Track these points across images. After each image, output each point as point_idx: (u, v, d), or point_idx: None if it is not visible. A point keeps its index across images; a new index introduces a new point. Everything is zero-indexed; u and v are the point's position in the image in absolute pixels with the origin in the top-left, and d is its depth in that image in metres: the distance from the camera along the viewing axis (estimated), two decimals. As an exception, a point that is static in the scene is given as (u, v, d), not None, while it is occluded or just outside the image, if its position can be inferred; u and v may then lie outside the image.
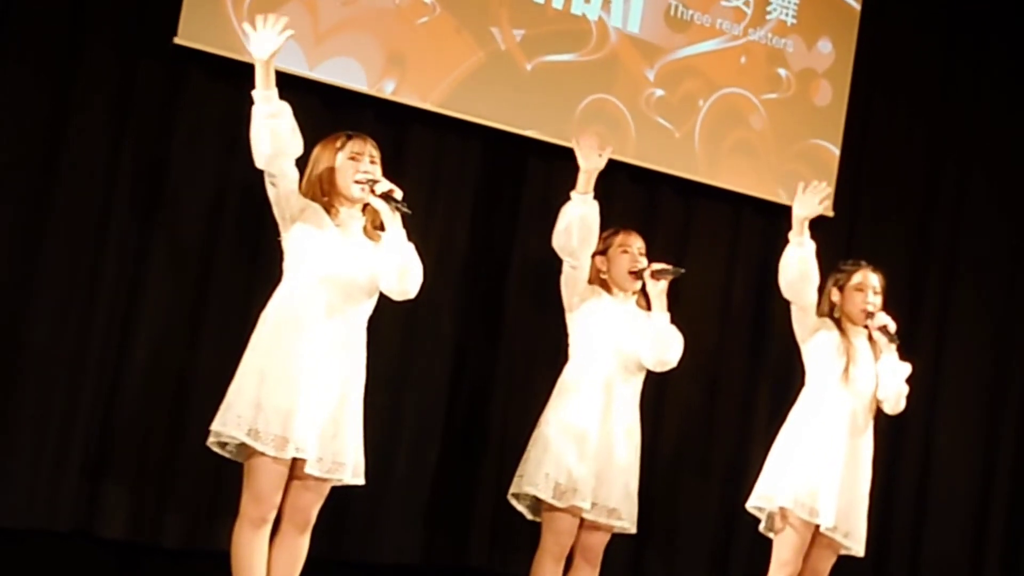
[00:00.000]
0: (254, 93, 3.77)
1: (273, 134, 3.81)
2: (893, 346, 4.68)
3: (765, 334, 5.87)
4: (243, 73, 4.84)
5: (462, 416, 5.28)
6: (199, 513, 4.78)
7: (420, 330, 5.14)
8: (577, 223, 4.48)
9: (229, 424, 3.79)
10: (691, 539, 5.72)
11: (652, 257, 5.41)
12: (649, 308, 4.65)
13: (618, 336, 4.56)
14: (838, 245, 5.97)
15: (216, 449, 3.86)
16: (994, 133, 6.34)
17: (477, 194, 5.32)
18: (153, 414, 4.76)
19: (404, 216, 3.87)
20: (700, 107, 5.68)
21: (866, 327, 4.73)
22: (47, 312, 4.67)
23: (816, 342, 4.74)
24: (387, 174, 4.89)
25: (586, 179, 4.52)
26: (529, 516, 4.57)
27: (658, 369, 4.63)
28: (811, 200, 4.67)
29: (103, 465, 4.70)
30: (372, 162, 3.97)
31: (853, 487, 4.66)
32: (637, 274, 4.62)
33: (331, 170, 3.95)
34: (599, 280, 4.68)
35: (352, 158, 3.94)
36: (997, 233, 6.34)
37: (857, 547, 4.69)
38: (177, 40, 4.74)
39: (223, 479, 4.74)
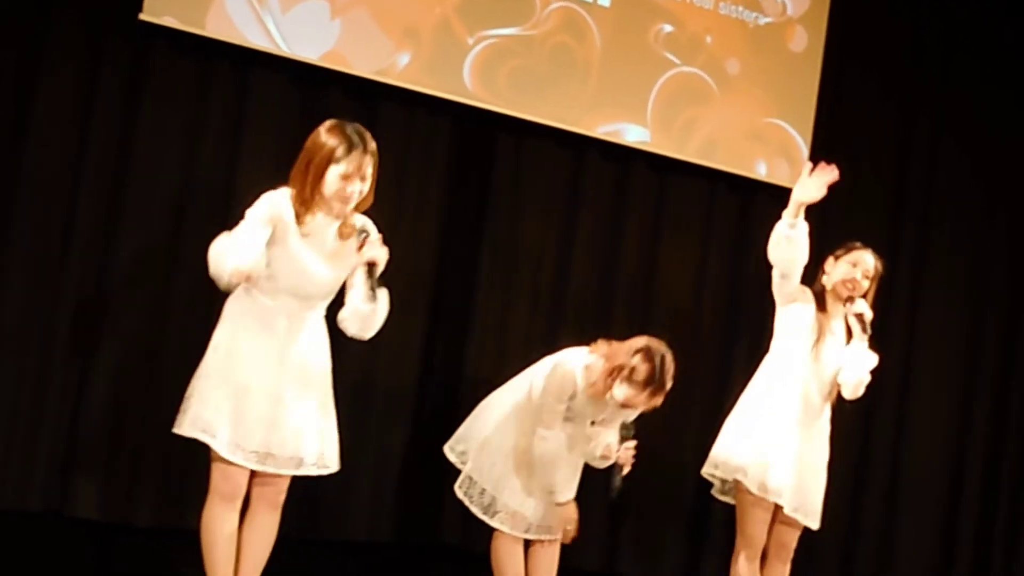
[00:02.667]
0: None
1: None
2: (865, 336, 4.70)
3: (740, 310, 5.91)
4: (209, 49, 4.86)
5: (434, 394, 5.33)
6: (171, 492, 4.80)
7: (391, 310, 5.15)
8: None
9: (184, 426, 3.89)
10: (666, 515, 5.74)
11: (625, 236, 5.50)
12: None
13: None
14: (811, 221, 6.01)
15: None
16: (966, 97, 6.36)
17: (447, 171, 5.34)
18: (124, 394, 4.77)
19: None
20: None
21: (845, 305, 4.74)
22: (16, 295, 4.70)
23: (791, 311, 4.79)
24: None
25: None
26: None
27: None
28: (814, 184, 4.62)
29: (74, 445, 4.73)
30: (362, 180, 3.95)
31: (808, 462, 4.72)
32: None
33: (319, 178, 3.89)
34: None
35: (345, 178, 3.90)
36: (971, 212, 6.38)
37: (811, 521, 4.76)
38: (143, 16, 4.75)
39: (195, 458, 4.75)
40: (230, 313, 3.97)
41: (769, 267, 5.92)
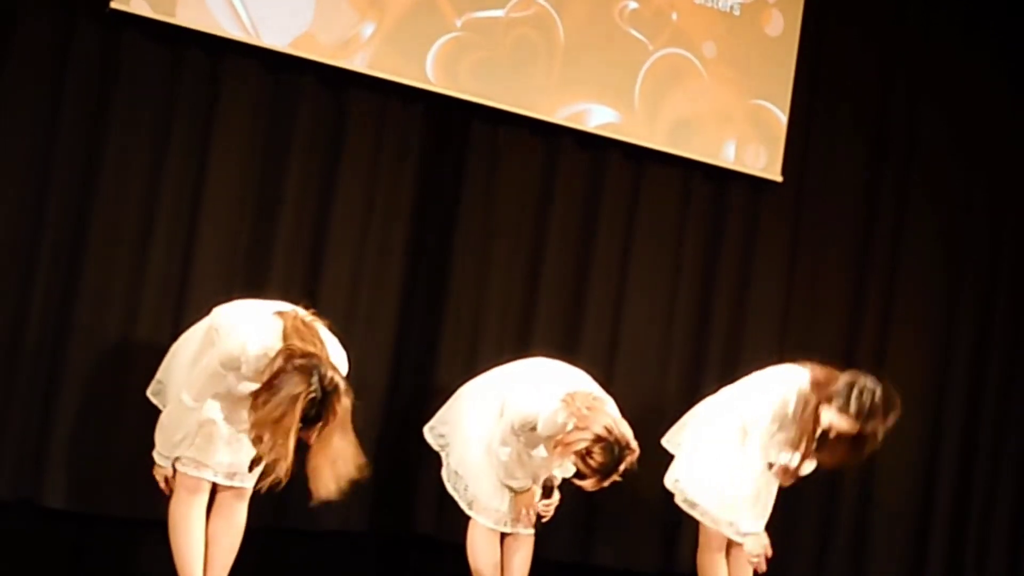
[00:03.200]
0: None
1: None
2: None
3: (715, 299, 5.91)
4: (181, 38, 4.84)
5: (406, 382, 5.32)
6: (140, 483, 4.77)
7: (362, 300, 5.16)
8: None
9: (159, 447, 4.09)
10: (640, 518, 5.74)
11: (599, 226, 5.49)
12: None
13: None
14: (787, 213, 6.04)
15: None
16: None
17: (420, 160, 5.32)
18: (93, 385, 4.76)
19: None
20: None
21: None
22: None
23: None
24: (329, 143, 4.99)
25: None
26: None
27: None
28: None
29: (45, 436, 4.70)
30: None
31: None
32: None
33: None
34: None
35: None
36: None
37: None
38: (113, 4, 4.72)
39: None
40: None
41: (745, 255, 5.97)
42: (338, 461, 3.85)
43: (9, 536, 4.71)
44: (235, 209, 5.00)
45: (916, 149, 6.34)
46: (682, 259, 5.88)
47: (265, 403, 3.77)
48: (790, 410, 4.66)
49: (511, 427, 4.50)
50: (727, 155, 5.87)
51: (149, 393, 4.35)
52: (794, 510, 5.66)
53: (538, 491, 4.64)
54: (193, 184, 4.91)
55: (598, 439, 4.31)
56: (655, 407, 5.75)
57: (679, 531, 5.64)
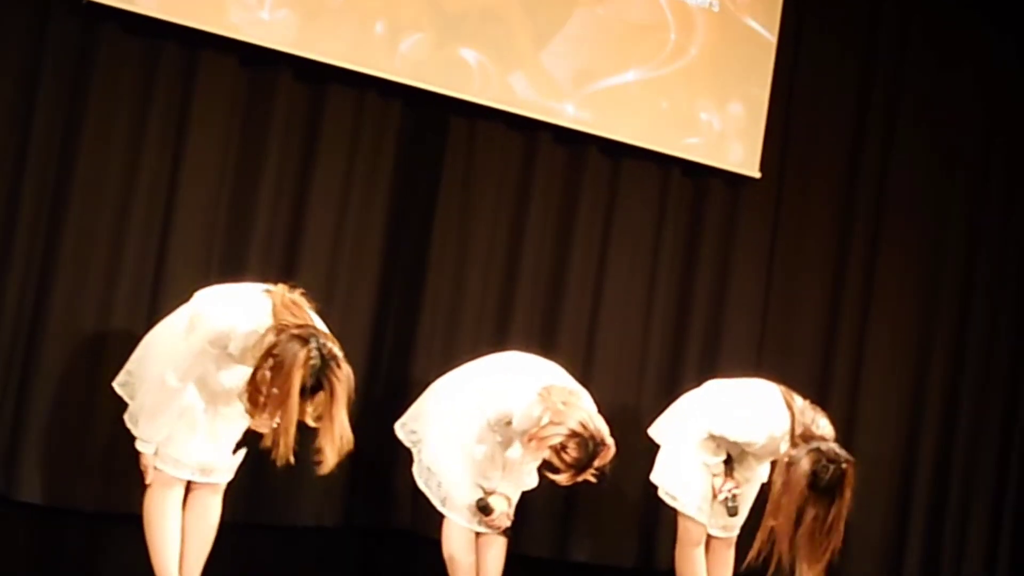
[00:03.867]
0: None
1: None
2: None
3: (693, 295, 5.93)
4: (158, 30, 4.83)
5: (382, 376, 5.33)
6: (115, 477, 4.77)
7: (340, 294, 5.15)
8: None
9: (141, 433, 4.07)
10: (617, 515, 5.75)
11: (577, 221, 5.49)
12: None
13: None
14: (765, 209, 6.05)
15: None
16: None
17: (397, 154, 5.32)
18: (67, 378, 4.74)
19: None
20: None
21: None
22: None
23: None
24: (306, 137, 4.97)
25: None
26: None
27: None
28: None
29: (18, 429, 4.68)
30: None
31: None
32: None
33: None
34: None
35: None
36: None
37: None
38: (88, -5, 4.71)
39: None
40: None
41: (724, 251, 5.98)
42: (343, 436, 3.84)
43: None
44: (211, 202, 4.99)
45: (895, 146, 6.37)
46: (660, 254, 5.89)
47: (264, 378, 3.75)
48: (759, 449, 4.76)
49: (487, 423, 4.49)
50: (705, 150, 5.88)
51: (116, 384, 4.32)
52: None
53: (514, 498, 4.61)
54: (169, 176, 4.90)
55: (573, 434, 4.32)
56: (632, 402, 5.77)
57: (657, 527, 5.66)
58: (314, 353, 3.78)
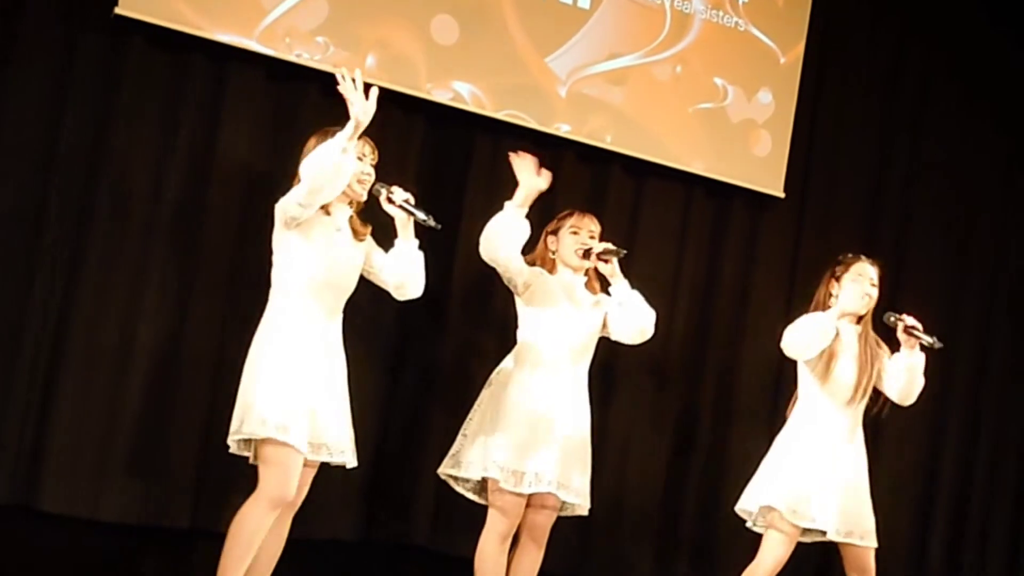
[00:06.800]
0: (342, 138, 3.95)
1: (338, 174, 3.98)
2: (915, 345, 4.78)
3: (714, 313, 5.97)
4: (186, 44, 4.88)
5: (402, 393, 5.34)
6: (138, 487, 4.83)
7: (362, 311, 5.18)
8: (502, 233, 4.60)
9: (254, 423, 3.98)
10: (639, 519, 5.77)
11: (601, 236, 5.50)
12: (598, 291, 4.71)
13: (567, 319, 4.60)
14: (788, 229, 6.07)
15: (235, 450, 4.13)
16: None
17: (421, 172, 5.36)
18: (92, 387, 4.80)
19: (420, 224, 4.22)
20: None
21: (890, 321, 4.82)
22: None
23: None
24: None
25: (524, 196, 4.60)
26: (472, 497, 4.61)
27: (638, 340, 4.79)
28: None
29: (42, 439, 4.72)
30: (360, 159, 4.15)
31: (849, 488, 4.79)
32: (585, 254, 4.65)
33: None
34: (548, 260, 4.70)
35: (359, 159, 4.15)
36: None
37: (868, 542, 4.81)
38: (118, 10, 4.77)
39: (160, 454, 4.80)
40: (272, 322, 4.11)
41: (744, 269, 5.99)
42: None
43: (5, 540, 4.75)
44: (238, 214, 5.04)
45: (919, 167, 6.39)
46: (682, 273, 5.93)
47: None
48: None
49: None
50: (729, 170, 5.91)
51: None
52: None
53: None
54: (198, 194, 4.95)
55: (558, 218, 4.82)
56: (653, 416, 5.80)
57: (678, 531, 5.65)
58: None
